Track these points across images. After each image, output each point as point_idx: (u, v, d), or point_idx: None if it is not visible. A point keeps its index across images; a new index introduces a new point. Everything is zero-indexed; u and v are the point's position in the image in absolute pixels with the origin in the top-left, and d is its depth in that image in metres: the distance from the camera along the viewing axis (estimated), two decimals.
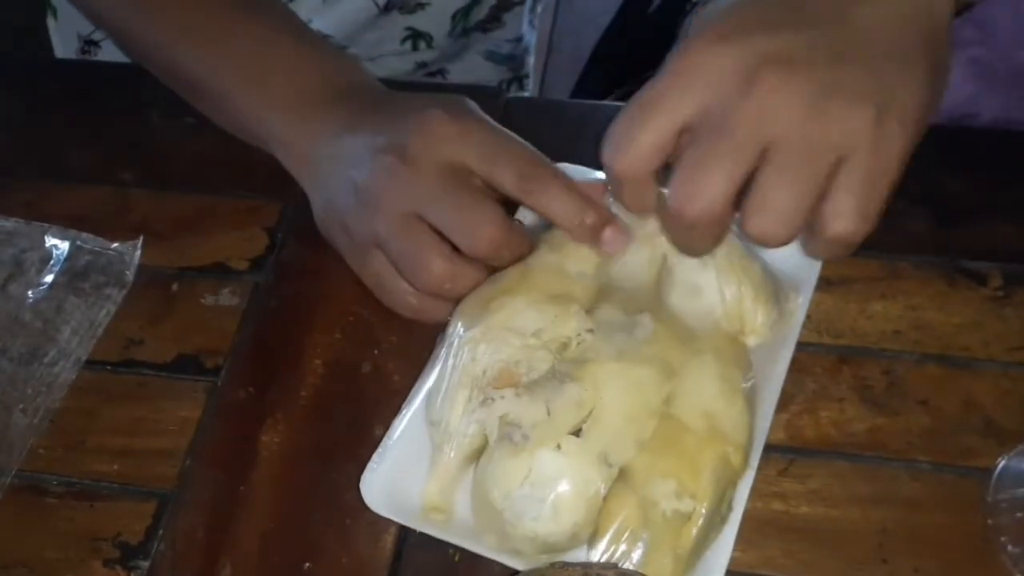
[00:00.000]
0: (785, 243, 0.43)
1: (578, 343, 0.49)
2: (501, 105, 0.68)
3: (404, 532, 0.50)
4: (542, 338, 0.49)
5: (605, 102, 0.85)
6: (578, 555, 0.46)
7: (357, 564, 0.49)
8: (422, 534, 0.49)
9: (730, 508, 0.47)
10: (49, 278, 0.61)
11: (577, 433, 0.46)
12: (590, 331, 0.49)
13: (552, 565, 0.42)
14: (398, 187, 0.50)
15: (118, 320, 0.59)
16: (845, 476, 0.50)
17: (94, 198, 0.65)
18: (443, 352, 0.50)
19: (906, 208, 0.59)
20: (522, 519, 0.45)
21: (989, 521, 0.47)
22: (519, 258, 0.52)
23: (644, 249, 0.52)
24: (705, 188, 0.41)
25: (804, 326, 0.55)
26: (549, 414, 0.46)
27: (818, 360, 0.54)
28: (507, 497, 0.46)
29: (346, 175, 0.53)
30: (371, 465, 0.49)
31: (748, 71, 0.41)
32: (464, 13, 0.84)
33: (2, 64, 0.74)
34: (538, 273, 0.51)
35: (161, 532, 0.51)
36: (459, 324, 0.50)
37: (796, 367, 0.53)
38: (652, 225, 0.51)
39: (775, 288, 0.53)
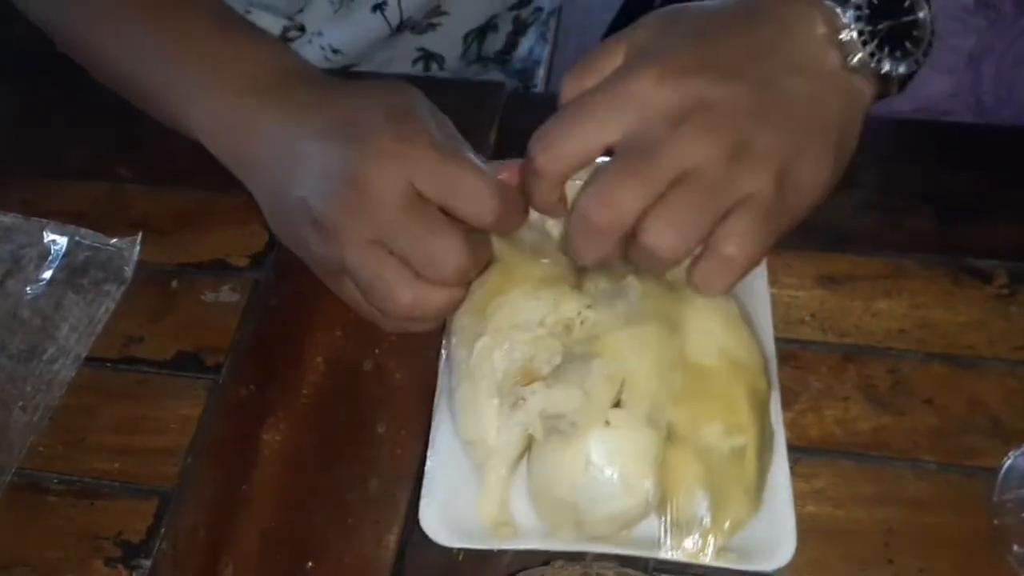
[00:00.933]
0: (674, 258, 0.46)
1: (581, 321, 0.49)
2: (501, 100, 0.68)
3: (407, 531, 0.50)
4: (547, 326, 0.49)
5: None
6: (650, 522, 0.47)
7: (360, 563, 0.49)
8: (423, 535, 0.49)
9: (772, 430, 0.48)
10: (48, 274, 0.61)
11: (618, 405, 0.46)
12: (589, 307, 0.49)
13: (552, 564, 0.42)
14: (355, 218, 0.48)
15: (117, 317, 0.59)
16: (850, 476, 0.50)
17: (92, 195, 0.65)
18: (454, 368, 0.50)
19: (911, 206, 0.59)
20: (596, 503, 0.46)
21: (995, 521, 0.47)
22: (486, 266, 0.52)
23: None
24: (620, 200, 0.44)
25: (808, 324, 0.55)
26: (587, 396, 0.46)
27: (823, 359, 0.54)
28: (575, 487, 0.46)
29: (297, 198, 0.50)
30: (424, 501, 0.48)
31: (682, 111, 0.45)
32: (478, 37, 0.83)
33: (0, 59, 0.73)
34: (518, 267, 0.51)
35: (163, 531, 0.51)
36: (461, 337, 0.50)
37: (800, 365, 0.53)
38: None
39: None
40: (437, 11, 0.78)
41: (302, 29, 0.77)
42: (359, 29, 0.77)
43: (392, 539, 0.50)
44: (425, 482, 0.49)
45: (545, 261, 0.52)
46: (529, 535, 0.48)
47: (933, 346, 0.54)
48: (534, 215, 0.54)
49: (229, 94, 0.56)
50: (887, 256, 0.58)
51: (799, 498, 0.49)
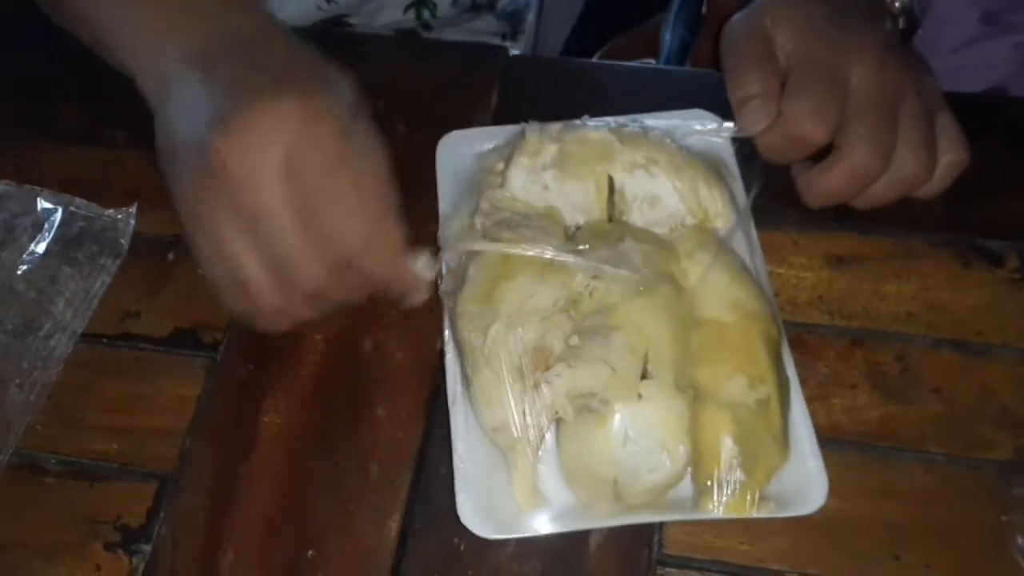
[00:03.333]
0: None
1: (590, 293, 0.49)
2: (502, 64, 0.66)
3: (408, 518, 0.49)
4: (559, 304, 0.49)
5: (611, 62, 0.83)
6: (684, 484, 0.47)
7: (361, 551, 0.49)
8: (426, 520, 0.49)
9: (787, 375, 0.49)
10: (42, 247, 0.59)
11: (644, 375, 0.46)
12: (595, 277, 0.49)
13: None
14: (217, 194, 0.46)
15: (113, 290, 0.58)
16: (856, 467, 0.49)
17: (86, 160, 0.63)
18: (468, 356, 0.49)
19: None
20: (639, 476, 0.46)
21: (1003, 517, 0.47)
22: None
23: (589, 182, 0.54)
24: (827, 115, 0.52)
25: (815, 307, 0.54)
26: (614, 371, 0.46)
27: (830, 343, 0.53)
28: (616, 463, 0.46)
29: (187, 157, 0.47)
30: (460, 497, 0.47)
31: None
32: None
33: None
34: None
35: (163, 515, 0.50)
36: (472, 324, 0.49)
37: (808, 351, 0.52)
38: (595, 158, 0.54)
39: (719, 170, 0.55)
40: None
41: None
42: None
43: (393, 525, 0.49)
44: (457, 478, 0.48)
45: (543, 238, 0.51)
46: (568, 515, 0.47)
47: (942, 331, 0.53)
48: (517, 189, 0.54)
49: (177, 47, 0.51)
50: (895, 235, 0.57)
51: None
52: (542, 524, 0.47)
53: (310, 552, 0.49)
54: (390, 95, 0.64)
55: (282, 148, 0.45)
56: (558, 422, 0.48)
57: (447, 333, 0.52)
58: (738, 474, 0.46)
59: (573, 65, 0.76)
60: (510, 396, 0.47)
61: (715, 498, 0.46)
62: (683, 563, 0.48)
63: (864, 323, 0.54)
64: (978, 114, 0.59)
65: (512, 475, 0.48)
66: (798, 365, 0.51)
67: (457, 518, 0.47)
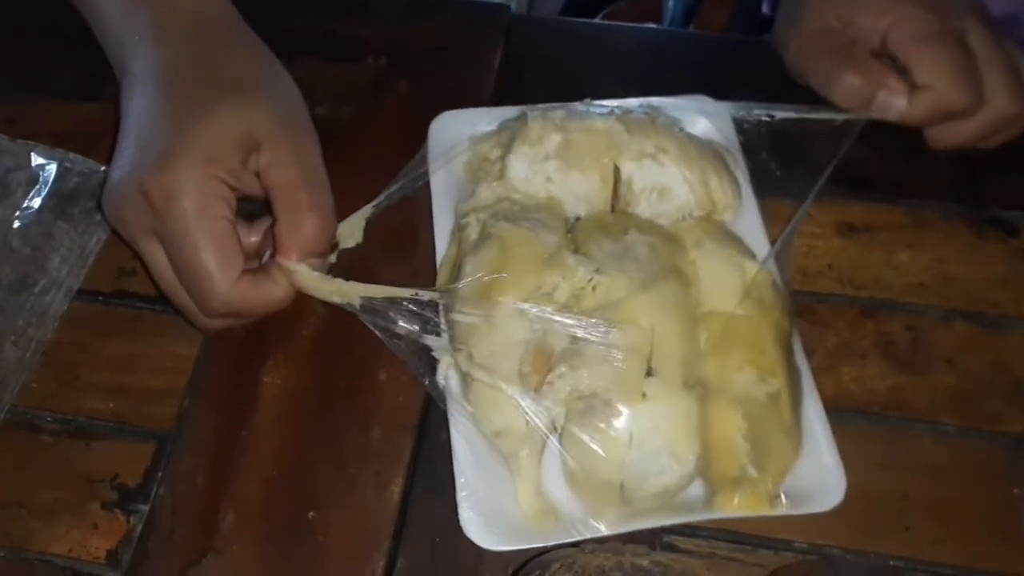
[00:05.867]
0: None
1: (593, 287, 0.47)
2: (505, 23, 0.65)
3: (410, 482, 0.49)
4: (558, 301, 0.47)
5: (617, 23, 0.82)
6: (694, 487, 0.46)
7: (362, 515, 0.48)
8: (427, 485, 0.48)
9: (798, 368, 0.48)
10: (36, 201, 0.58)
11: (649, 373, 0.45)
12: (597, 271, 0.47)
13: (581, 548, 0.41)
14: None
15: (108, 247, 0.57)
16: (865, 437, 0.49)
17: (79, 115, 0.62)
18: (463, 359, 0.47)
19: (932, 153, 0.57)
20: (647, 480, 0.44)
21: (1015, 490, 0.46)
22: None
23: (593, 173, 0.52)
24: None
25: (826, 275, 0.53)
26: (616, 370, 0.44)
27: (840, 312, 0.52)
28: (621, 467, 0.44)
29: (132, 168, 0.49)
30: (463, 508, 0.46)
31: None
32: None
33: None
34: (517, 245, 0.48)
35: (160, 475, 0.49)
36: (468, 326, 0.47)
37: (817, 320, 0.52)
38: (601, 149, 0.51)
39: (724, 160, 0.54)
40: None
41: None
42: None
43: (395, 490, 0.49)
44: (459, 487, 0.46)
45: (542, 230, 0.49)
46: (575, 523, 0.45)
47: (955, 302, 0.52)
48: (517, 178, 0.52)
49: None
50: (908, 204, 0.56)
51: None
52: (550, 535, 0.45)
53: (311, 514, 0.48)
54: (392, 54, 0.63)
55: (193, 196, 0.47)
56: (561, 426, 0.46)
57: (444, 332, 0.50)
58: (751, 471, 0.45)
59: (578, 26, 0.75)
60: (511, 400, 0.45)
61: (728, 497, 0.45)
62: (690, 531, 0.47)
63: (875, 293, 0.53)
64: None
65: (515, 483, 0.46)
66: (808, 335, 0.50)
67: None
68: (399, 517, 0.48)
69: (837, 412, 0.48)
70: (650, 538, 0.47)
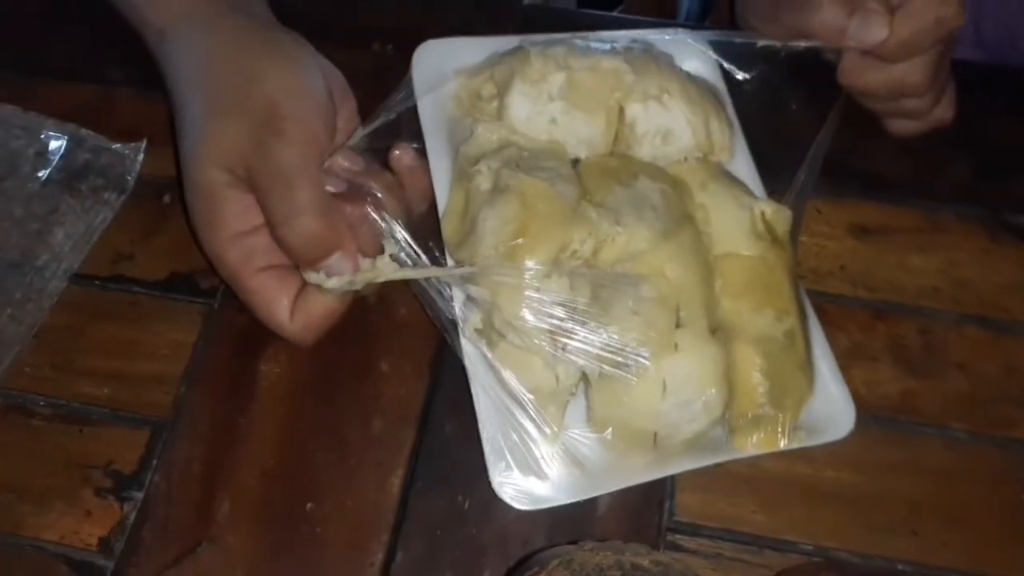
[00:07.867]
0: None
1: (612, 239, 0.46)
2: (516, 12, 0.64)
3: (411, 475, 0.48)
4: (584, 255, 0.46)
5: (631, 16, 0.81)
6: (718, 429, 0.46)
7: (362, 507, 0.47)
8: (429, 478, 0.47)
9: (803, 302, 0.49)
10: (44, 174, 0.57)
11: (677, 324, 0.44)
12: (617, 223, 0.46)
13: (581, 546, 0.40)
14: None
15: (107, 231, 0.56)
16: (875, 441, 0.48)
17: (81, 96, 0.61)
18: (489, 319, 0.46)
19: (948, 154, 0.56)
20: (679, 427, 0.44)
21: None
22: None
23: (599, 115, 0.50)
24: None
25: (837, 277, 0.53)
26: (647, 323, 0.44)
27: (852, 315, 0.52)
28: (656, 417, 0.44)
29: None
30: (496, 471, 0.45)
31: None
32: None
33: None
34: (537, 199, 0.47)
35: (155, 463, 0.48)
36: (492, 283, 0.46)
37: (828, 321, 0.51)
38: (607, 90, 0.50)
39: (720, 100, 0.54)
40: None
41: None
42: None
43: (396, 483, 0.48)
44: (488, 451, 0.45)
45: (558, 181, 0.48)
46: (604, 476, 0.45)
47: (968, 307, 0.52)
48: (519, 120, 0.50)
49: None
50: (922, 207, 0.55)
51: (821, 461, 0.47)
52: (582, 488, 0.45)
53: (309, 505, 0.47)
54: (402, 42, 0.62)
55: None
56: (588, 380, 0.46)
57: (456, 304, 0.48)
58: (768, 410, 0.45)
59: (592, 18, 0.74)
60: (538, 358, 0.45)
61: (748, 436, 0.45)
62: (694, 530, 0.46)
63: (887, 296, 0.52)
64: (1008, 88, 0.58)
65: (543, 438, 0.46)
66: None
67: (462, 477, 0.46)
68: (399, 509, 0.47)
69: None
70: (654, 537, 0.46)
